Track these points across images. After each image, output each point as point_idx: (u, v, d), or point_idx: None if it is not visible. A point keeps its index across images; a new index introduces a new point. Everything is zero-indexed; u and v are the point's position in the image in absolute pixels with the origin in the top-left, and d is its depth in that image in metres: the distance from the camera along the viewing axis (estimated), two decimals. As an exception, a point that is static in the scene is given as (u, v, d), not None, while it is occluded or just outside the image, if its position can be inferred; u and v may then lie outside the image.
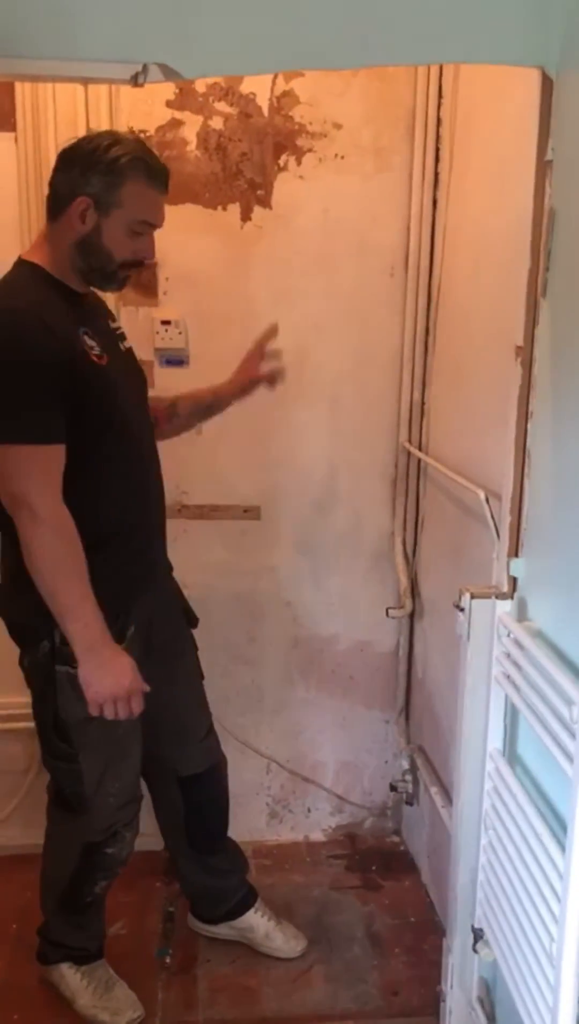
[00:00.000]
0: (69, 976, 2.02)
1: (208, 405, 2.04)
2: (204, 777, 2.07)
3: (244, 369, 2.01)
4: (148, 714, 1.88)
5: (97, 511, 1.71)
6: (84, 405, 1.64)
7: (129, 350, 1.88)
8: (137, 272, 1.82)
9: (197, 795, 2.08)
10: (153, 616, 1.89)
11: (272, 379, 2.01)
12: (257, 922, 2.19)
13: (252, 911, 2.20)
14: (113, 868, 1.95)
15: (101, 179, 1.64)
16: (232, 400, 2.02)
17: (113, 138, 1.67)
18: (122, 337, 1.87)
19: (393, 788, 2.58)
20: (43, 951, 2.07)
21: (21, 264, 1.72)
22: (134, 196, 1.65)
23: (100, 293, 1.84)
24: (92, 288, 1.77)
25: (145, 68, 1.43)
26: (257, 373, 2.01)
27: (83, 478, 1.66)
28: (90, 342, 1.70)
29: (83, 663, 1.65)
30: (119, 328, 1.89)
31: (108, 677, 1.65)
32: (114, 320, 1.90)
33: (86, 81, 1.94)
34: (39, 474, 1.60)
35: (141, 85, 1.45)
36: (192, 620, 2.06)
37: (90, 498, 1.69)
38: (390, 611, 2.49)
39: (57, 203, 1.68)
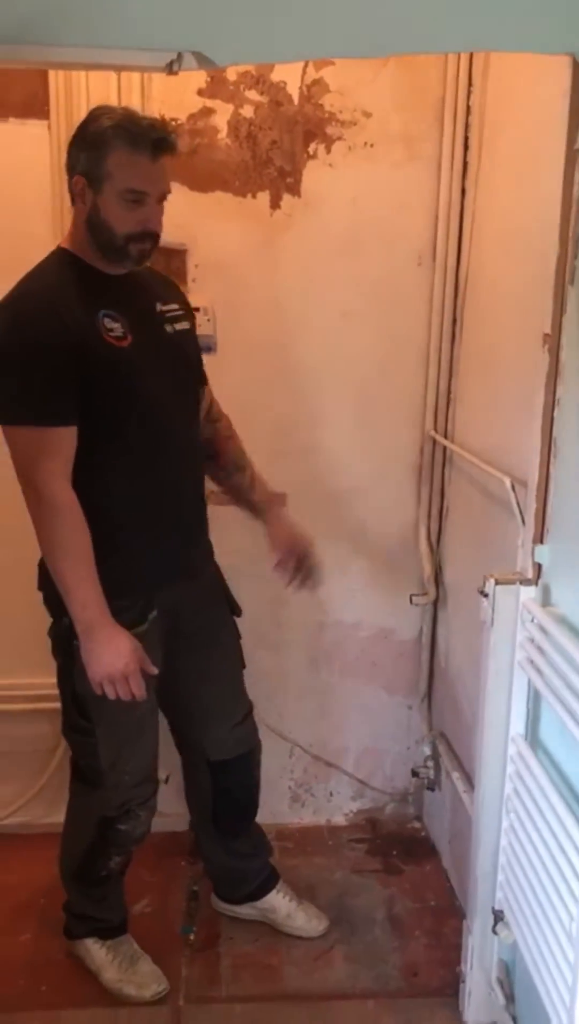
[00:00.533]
0: (94, 951, 2.06)
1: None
2: (233, 763, 2.10)
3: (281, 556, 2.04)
4: (180, 698, 1.93)
5: (112, 495, 1.73)
6: (97, 387, 1.65)
7: (179, 333, 1.84)
8: (150, 245, 1.73)
9: (226, 780, 2.12)
10: (183, 604, 1.92)
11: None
12: (279, 903, 2.22)
13: (274, 892, 2.23)
14: (126, 845, 1.99)
15: (87, 154, 1.64)
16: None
17: (98, 111, 1.67)
18: (173, 319, 1.83)
19: (415, 774, 2.60)
20: (68, 926, 2.12)
21: (55, 250, 1.76)
22: (119, 166, 1.62)
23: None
24: (139, 267, 1.76)
25: (180, 56, 1.45)
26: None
27: (101, 461, 1.69)
28: (111, 324, 1.69)
29: (82, 642, 1.70)
30: (172, 311, 1.84)
31: (105, 656, 1.69)
32: (168, 302, 1.85)
33: (121, 68, 1.97)
34: (45, 456, 1.63)
35: (175, 73, 1.47)
36: (235, 609, 2.08)
37: (107, 481, 1.72)
38: (414, 598, 2.50)
39: (69, 186, 1.71)
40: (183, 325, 1.86)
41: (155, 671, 1.76)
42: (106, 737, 1.86)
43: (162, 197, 1.70)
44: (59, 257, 1.74)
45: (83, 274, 1.72)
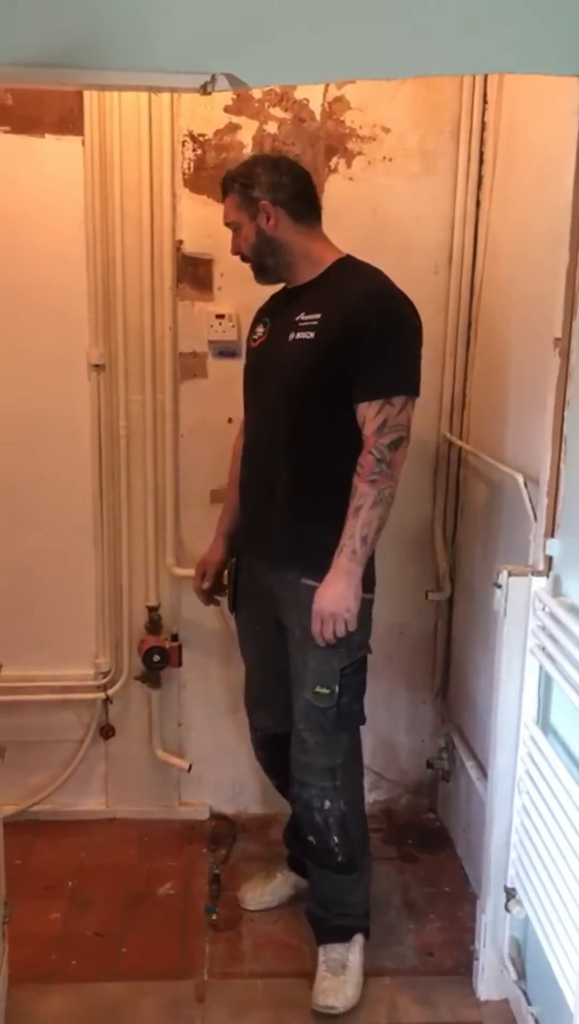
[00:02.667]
0: None
1: None
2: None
3: None
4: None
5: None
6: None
7: (296, 341, 1.91)
8: (249, 264, 2.04)
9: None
10: (244, 568, 2.16)
11: None
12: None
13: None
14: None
15: None
16: None
17: None
18: (301, 328, 1.91)
19: (429, 766, 2.68)
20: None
21: None
22: None
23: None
24: (261, 281, 2.06)
25: (213, 78, 1.56)
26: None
27: None
28: (259, 329, 2.08)
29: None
30: (308, 321, 1.91)
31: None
32: (313, 312, 1.91)
33: (159, 90, 2.08)
34: None
35: (209, 93, 1.58)
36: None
37: None
38: (429, 594, 2.59)
39: None
40: (304, 335, 1.90)
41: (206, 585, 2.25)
42: None
43: (230, 226, 2.01)
44: None
45: (284, 288, 2.07)
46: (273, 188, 1.93)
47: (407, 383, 1.87)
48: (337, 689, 1.93)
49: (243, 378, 2.15)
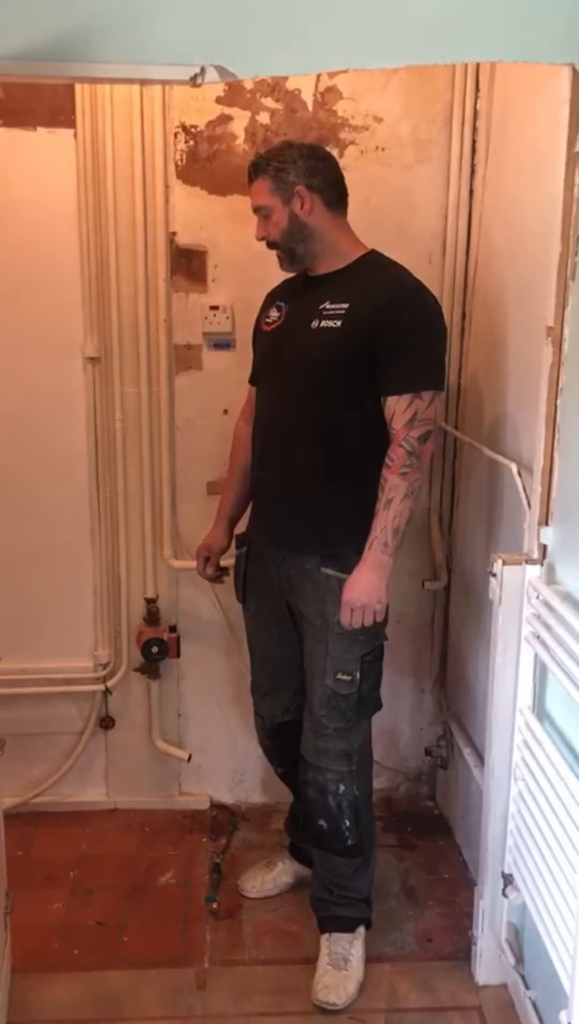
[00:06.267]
0: None
1: None
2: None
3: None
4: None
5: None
6: (253, 358, 2.16)
7: (321, 329, 1.91)
8: (276, 250, 2.01)
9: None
10: (254, 557, 2.13)
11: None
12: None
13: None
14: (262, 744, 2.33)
15: None
16: None
17: None
18: (327, 317, 1.91)
19: (428, 753, 2.70)
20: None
21: None
22: None
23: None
24: (287, 269, 2.04)
25: (203, 70, 1.56)
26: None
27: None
28: (274, 313, 2.06)
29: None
30: (329, 309, 1.91)
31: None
32: (340, 302, 1.91)
33: (149, 83, 2.07)
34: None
35: (199, 85, 1.59)
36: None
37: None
38: (426, 583, 2.60)
39: None
40: (330, 323, 1.90)
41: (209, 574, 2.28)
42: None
43: (259, 211, 1.98)
44: None
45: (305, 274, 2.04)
46: (309, 173, 1.92)
47: (435, 378, 1.90)
48: (358, 676, 1.96)
49: (255, 361, 2.16)
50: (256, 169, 1.96)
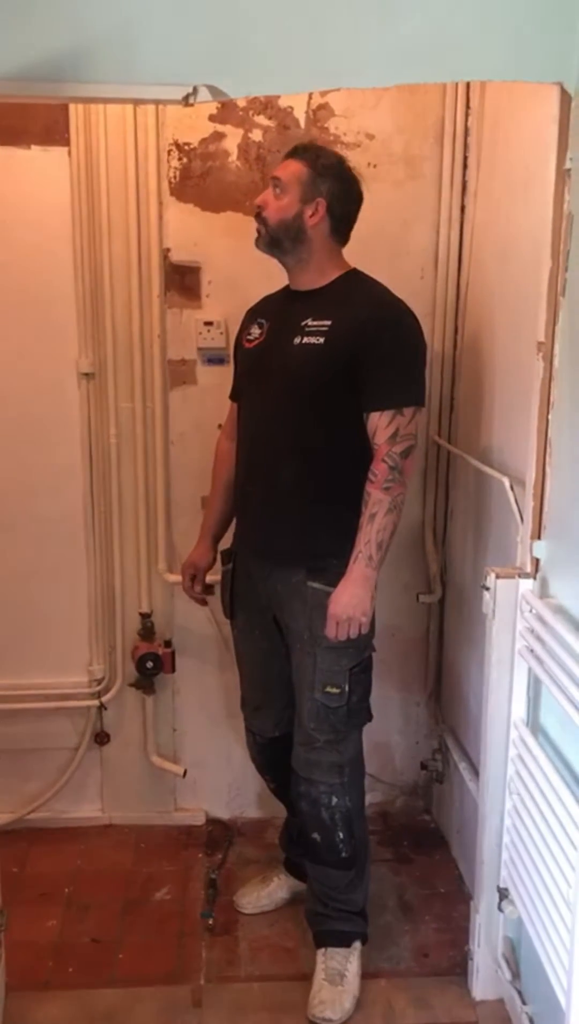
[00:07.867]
0: None
1: None
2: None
3: None
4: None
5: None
6: (235, 374, 2.17)
7: (303, 345, 1.92)
8: (261, 226, 1.97)
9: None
10: (240, 574, 2.13)
11: None
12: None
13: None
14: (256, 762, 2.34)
15: None
16: None
17: None
18: (309, 333, 1.92)
19: (423, 767, 2.70)
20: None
21: None
22: None
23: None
24: (262, 248, 1.99)
25: (195, 90, 1.58)
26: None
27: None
28: (255, 330, 2.06)
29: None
30: (312, 325, 1.92)
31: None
32: (323, 319, 1.92)
33: (141, 102, 2.09)
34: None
35: (192, 105, 1.60)
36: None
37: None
38: (420, 596, 2.60)
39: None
40: (313, 340, 1.91)
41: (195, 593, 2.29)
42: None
43: (276, 183, 1.94)
44: None
45: (285, 289, 2.06)
46: (338, 197, 1.93)
47: (416, 394, 1.92)
48: (347, 688, 1.97)
49: (237, 377, 2.16)
50: (304, 153, 1.94)
